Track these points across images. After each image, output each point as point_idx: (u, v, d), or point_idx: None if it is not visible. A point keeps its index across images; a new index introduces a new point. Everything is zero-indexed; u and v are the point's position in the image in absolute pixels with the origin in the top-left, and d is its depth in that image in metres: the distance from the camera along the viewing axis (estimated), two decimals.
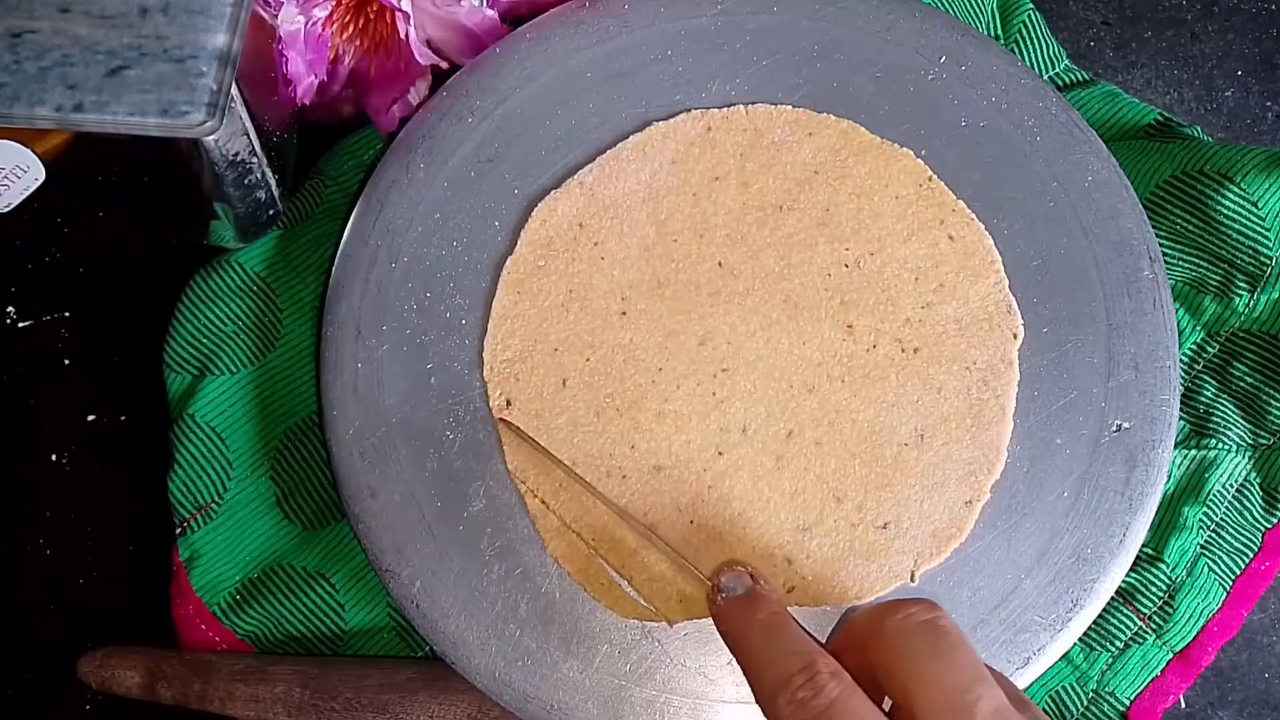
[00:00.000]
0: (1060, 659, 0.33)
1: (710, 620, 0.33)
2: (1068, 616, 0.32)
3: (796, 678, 0.25)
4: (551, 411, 0.34)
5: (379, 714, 0.35)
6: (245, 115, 0.32)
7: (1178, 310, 0.37)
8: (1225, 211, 0.36)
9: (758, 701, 0.26)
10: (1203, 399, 0.37)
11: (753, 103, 0.36)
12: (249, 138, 0.33)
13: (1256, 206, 0.35)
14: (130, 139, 0.29)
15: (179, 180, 0.34)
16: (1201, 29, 0.44)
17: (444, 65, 0.38)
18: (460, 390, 0.35)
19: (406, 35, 0.35)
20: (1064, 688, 0.36)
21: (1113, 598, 0.33)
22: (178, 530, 0.37)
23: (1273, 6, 0.44)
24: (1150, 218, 0.36)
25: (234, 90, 0.30)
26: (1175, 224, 0.37)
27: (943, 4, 0.39)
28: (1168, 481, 0.34)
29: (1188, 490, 0.37)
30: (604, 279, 0.35)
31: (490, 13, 0.37)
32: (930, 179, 0.36)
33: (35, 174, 0.31)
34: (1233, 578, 0.37)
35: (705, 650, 0.33)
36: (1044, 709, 0.36)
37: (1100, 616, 0.34)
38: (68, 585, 0.39)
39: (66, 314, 0.40)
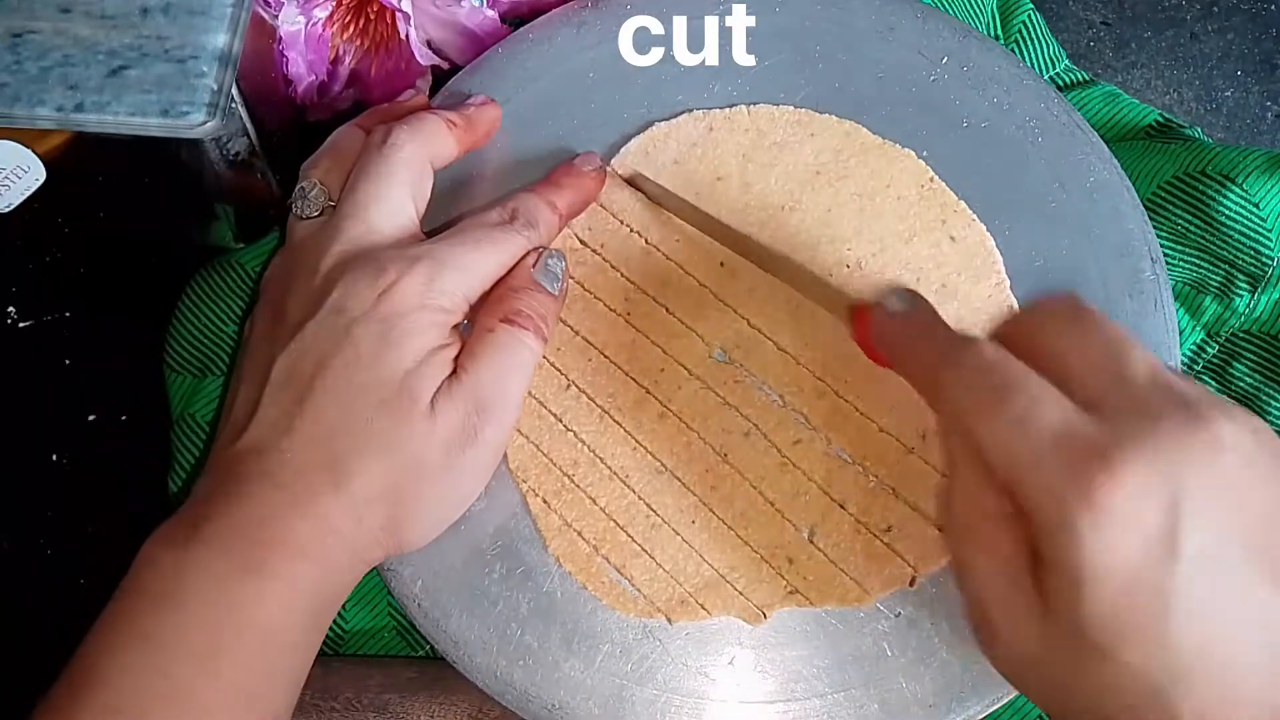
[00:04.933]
0: None
1: (711, 620, 0.33)
2: None
3: (957, 352, 0.25)
4: (553, 412, 0.34)
5: (380, 714, 0.35)
6: (245, 115, 0.32)
7: (1178, 310, 0.37)
8: (1227, 212, 0.36)
9: (918, 387, 0.27)
10: None
11: (755, 103, 0.36)
12: (249, 138, 0.33)
13: (1258, 207, 0.35)
14: (131, 139, 0.29)
15: (180, 181, 0.34)
16: (1201, 29, 0.44)
17: (445, 66, 0.38)
18: None
19: (407, 36, 0.35)
20: None
21: None
22: None
23: (1272, 7, 0.44)
24: (1151, 218, 0.36)
25: (234, 90, 0.30)
26: (1177, 225, 0.37)
27: (942, 4, 0.39)
28: None
29: None
30: (607, 280, 0.35)
31: (491, 13, 0.37)
32: (932, 180, 0.36)
33: (36, 174, 0.31)
34: None
35: (706, 650, 0.33)
36: None
37: None
38: (68, 585, 0.39)
39: (67, 314, 0.40)
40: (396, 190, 0.31)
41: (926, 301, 0.29)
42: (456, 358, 0.31)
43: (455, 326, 0.31)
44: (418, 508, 0.30)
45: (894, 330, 0.28)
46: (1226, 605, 0.22)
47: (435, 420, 0.29)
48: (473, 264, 0.31)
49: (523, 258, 0.33)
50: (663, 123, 0.36)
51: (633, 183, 0.35)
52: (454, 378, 0.30)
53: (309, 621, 0.29)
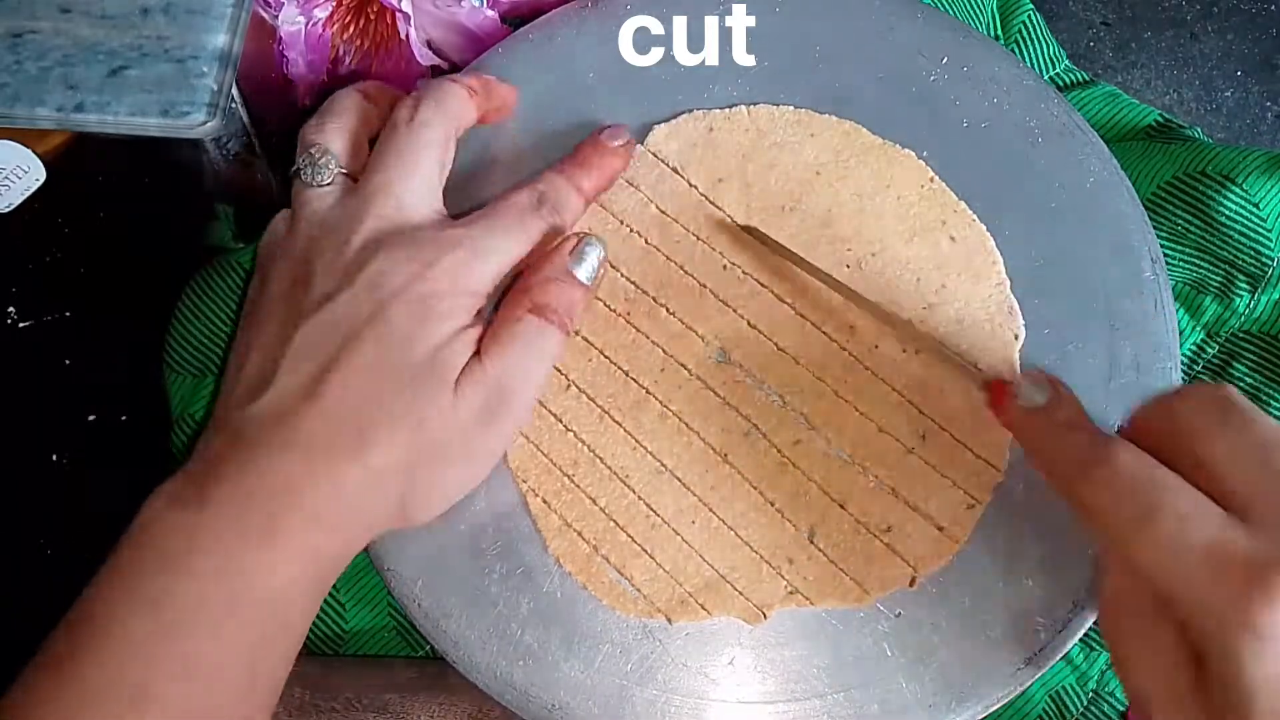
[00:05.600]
0: (1060, 659, 0.33)
1: (711, 620, 0.33)
2: (1068, 617, 0.32)
3: (1100, 458, 0.25)
4: (553, 412, 0.34)
5: (380, 714, 0.35)
6: (246, 115, 0.32)
7: (1178, 311, 0.37)
8: (1226, 212, 0.36)
9: (1062, 490, 0.27)
10: None
11: (755, 103, 0.36)
12: (249, 138, 0.33)
13: (1258, 208, 0.36)
14: (131, 139, 0.29)
15: (180, 181, 0.34)
16: (1201, 30, 0.44)
17: (444, 66, 0.38)
18: None
19: (407, 36, 0.35)
20: (1064, 688, 0.36)
21: None
22: None
23: (1272, 7, 0.44)
24: (1151, 218, 0.36)
25: (234, 90, 0.30)
26: (1177, 225, 0.37)
27: (942, 4, 0.39)
28: None
29: None
30: (608, 281, 0.35)
31: (491, 13, 0.37)
32: (932, 180, 0.36)
33: (36, 174, 0.31)
34: None
35: (707, 650, 0.33)
36: (1044, 709, 0.36)
37: None
38: (68, 585, 0.39)
39: (67, 314, 0.40)
40: (426, 168, 0.32)
41: (1066, 390, 0.29)
42: (480, 339, 0.31)
43: (480, 309, 0.31)
44: (430, 484, 0.30)
45: (1033, 425, 0.29)
46: None
47: (458, 400, 0.30)
48: (504, 250, 0.32)
49: (560, 243, 0.33)
50: (663, 123, 0.36)
51: (752, 233, 0.35)
52: (477, 360, 0.30)
53: (314, 588, 0.29)
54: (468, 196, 0.36)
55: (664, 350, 0.34)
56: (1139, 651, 0.25)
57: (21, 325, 0.40)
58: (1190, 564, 0.23)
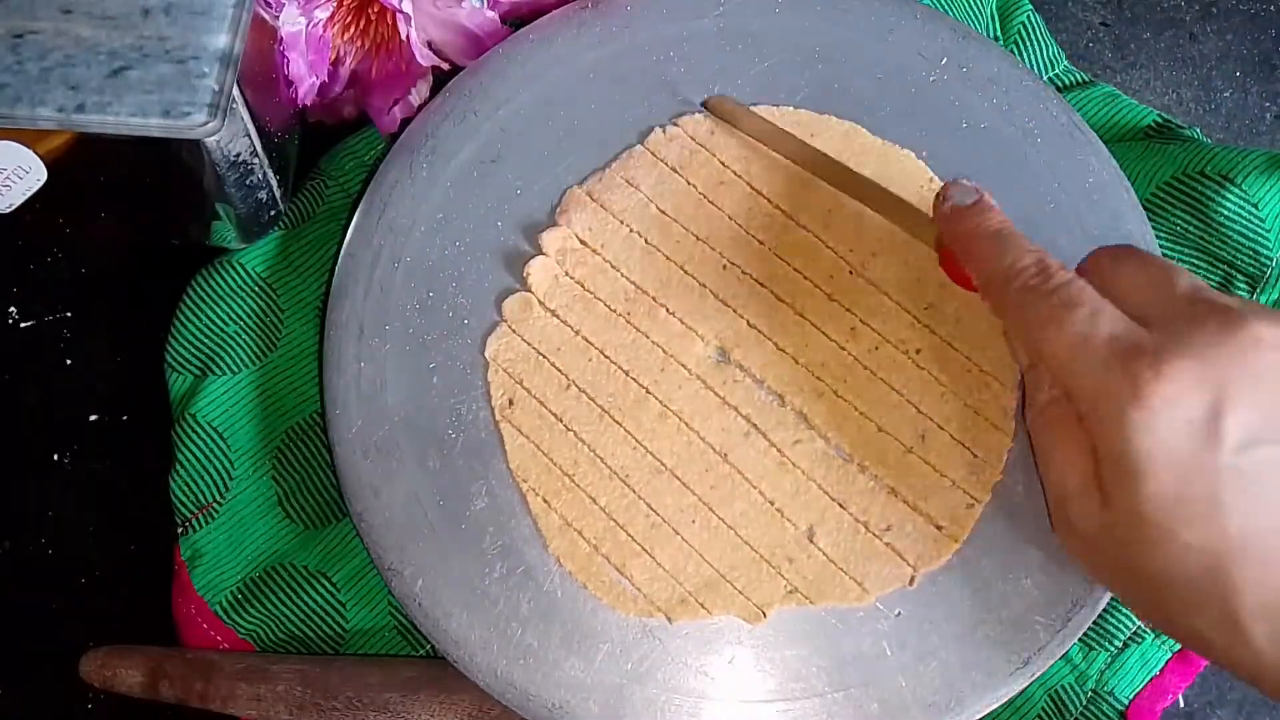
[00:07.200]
0: (1060, 658, 0.33)
1: (711, 619, 0.33)
2: (1067, 616, 0.32)
3: (1030, 266, 0.28)
4: (554, 412, 0.34)
5: (380, 713, 0.35)
6: (246, 116, 0.32)
7: None
8: (1226, 213, 0.36)
9: (987, 294, 0.30)
10: None
11: (755, 104, 0.36)
12: (250, 138, 0.33)
13: (1257, 208, 0.36)
14: (132, 140, 0.29)
15: (180, 181, 0.34)
16: (1200, 30, 0.44)
17: (445, 67, 0.38)
18: (463, 390, 0.35)
19: (407, 36, 0.35)
20: (1063, 687, 0.36)
21: (1112, 597, 0.33)
22: (179, 529, 0.37)
23: (1271, 8, 0.44)
24: (1150, 219, 0.36)
25: (235, 91, 0.30)
26: (1176, 225, 0.37)
27: (942, 5, 0.39)
28: None
29: None
30: (608, 281, 0.35)
31: (491, 14, 0.37)
32: (932, 180, 0.36)
33: (37, 175, 0.31)
34: None
35: (707, 649, 0.33)
36: (1043, 708, 0.36)
37: (1099, 616, 0.34)
38: (70, 585, 0.39)
39: (68, 314, 0.41)
40: None
41: (985, 198, 0.31)
42: None
43: None
44: None
45: (951, 223, 0.31)
46: (1272, 480, 0.23)
47: None
48: None
49: None
50: (664, 124, 0.36)
51: (716, 110, 0.36)
52: None
53: None
54: (469, 198, 0.36)
55: (664, 350, 0.34)
56: (1055, 446, 0.28)
57: (22, 325, 0.40)
58: (1095, 351, 0.25)
